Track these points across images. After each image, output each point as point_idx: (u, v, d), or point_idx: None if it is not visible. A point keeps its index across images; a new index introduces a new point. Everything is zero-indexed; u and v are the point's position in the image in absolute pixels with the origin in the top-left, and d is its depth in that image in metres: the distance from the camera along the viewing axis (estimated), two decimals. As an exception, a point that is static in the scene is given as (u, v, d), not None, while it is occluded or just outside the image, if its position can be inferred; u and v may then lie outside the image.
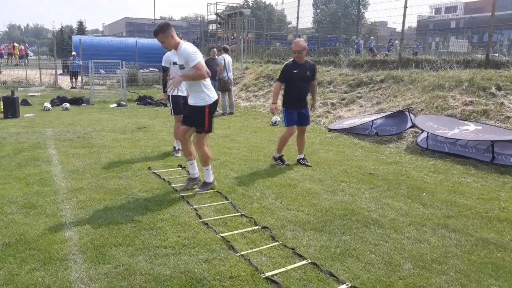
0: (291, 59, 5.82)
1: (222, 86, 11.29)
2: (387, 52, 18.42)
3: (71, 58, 20.70)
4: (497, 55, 11.40)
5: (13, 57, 30.46)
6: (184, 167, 5.70)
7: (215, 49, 11.96)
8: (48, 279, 2.80)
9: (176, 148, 6.49)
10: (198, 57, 4.32)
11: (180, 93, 6.14)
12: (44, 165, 5.62)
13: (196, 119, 4.51)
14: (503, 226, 3.89)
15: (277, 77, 5.91)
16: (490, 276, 2.99)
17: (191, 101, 4.57)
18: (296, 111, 5.82)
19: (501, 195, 4.84)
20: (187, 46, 4.34)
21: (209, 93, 4.50)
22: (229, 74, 11.33)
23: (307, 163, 5.96)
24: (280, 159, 5.98)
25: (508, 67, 8.96)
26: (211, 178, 4.73)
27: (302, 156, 6.09)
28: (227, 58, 11.41)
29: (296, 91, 5.78)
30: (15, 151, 6.34)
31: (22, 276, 2.83)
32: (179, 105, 6.21)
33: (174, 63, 5.95)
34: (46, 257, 3.08)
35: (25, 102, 12.85)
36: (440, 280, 2.92)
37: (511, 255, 3.31)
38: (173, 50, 5.90)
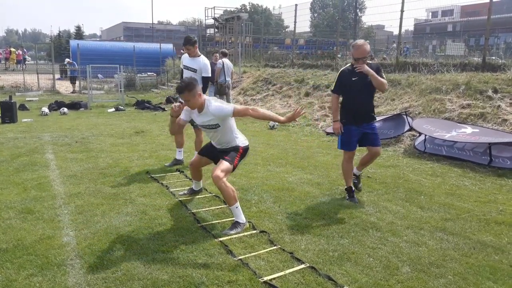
0: (349, 64, 4.67)
1: (219, 89, 11.49)
2: (384, 56, 18.49)
3: (66, 64, 20.72)
4: (493, 58, 11.43)
5: (9, 62, 30.05)
6: (182, 171, 5.70)
7: (217, 55, 12.08)
8: (46, 284, 2.79)
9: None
10: (230, 105, 3.91)
11: None
12: (42, 170, 5.61)
13: (227, 152, 3.95)
14: (501, 229, 3.90)
15: (332, 88, 4.75)
16: (488, 279, 3.00)
17: (226, 146, 4.06)
18: (356, 129, 4.57)
19: (499, 197, 4.86)
20: (215, 103, 3.85)
21: (242, 139, 4.08)
22: (227, 79, 11.44)
23: (357, 186, 4.93)
24: (347, 191, 4.75)
25: (504, 70, 9.00)
26: (243, 217, 3.80)
27: (359, 173, 4.99)
28: (227, 62, 11.51)
29: (354, 104, 4.58)
30: (13, 156, 6.33)
31: (19, 281, 2.82)
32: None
33: (185, 67, 5.89)
34: (44, 262, 3.07)
35: (23, 107, 12.84)
36: (438, 284, 2.92)
37: (509, 258, 3.32)
38: (191, 58, 5.87)
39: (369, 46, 4.45)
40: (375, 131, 4.65)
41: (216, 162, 4.08)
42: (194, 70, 5.77)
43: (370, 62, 4.60)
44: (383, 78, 4.51)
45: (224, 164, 3.79)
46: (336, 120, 4.68)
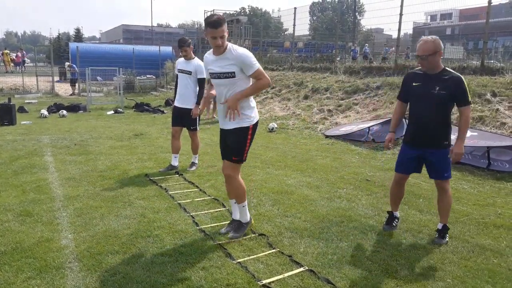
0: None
1: None
2: (384, 57, 18.54)
3: (67, 67, 20.74)
4: (492, 61, 11.47)
5: (6, 65, 29.68)
6: (182, 174, 5.70)
7: None
8: (44, 287, 2.79)
9: (192, 161, 6.17)
10: (257, 62, 3.47)
11: (184, 106, 5.79)
12: (41, 172, 5.60)
13: (235, 144, 3.53)
14: (499, 232, 3.91)
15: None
16: (486, 282, 3.00)
17: (230, 125, 3.52)
18: (411, 151, 3.75)
19: (497, 201, 4.86)
20: (243, 50, 3.46)
21: (255, 109, 3.61)
22: None
23: (441, 240, 3.64)
24: (389, 216, 4.00)
25: (503, 73, 9.04)
26: (248, 216, 3.75)
27: (440, 225, 3.74)
28: None
29: (414, 119, 3.73)
30: (12, 159, 6.33)
31: (18, 284, 2.81)
32: (177, 117, 5.90)
33: (180, 71, 5.79)
34: (42, 265, 3.06)
35: (22, 109, 12.83)
36: (437, 287, 2.93)
37: (508, 261, 3.32)
38: (193, 58, 5.76)
39: (435, 43, 3.47)
40: (440, 157, 3.60)
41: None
42: (189, 73, 5.73)
43: (449, 69, 3.61)
44: (464, 101, 3.49)
45: (232, 166, 3.58)
46: (391, 131, 3.98)
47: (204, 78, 5.78)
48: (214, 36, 3.32)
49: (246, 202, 3.73)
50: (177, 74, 5.93)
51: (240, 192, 3.66)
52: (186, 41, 5.74)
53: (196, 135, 6.03)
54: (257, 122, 3.61)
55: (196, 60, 5.79)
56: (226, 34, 3.36)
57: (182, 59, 5.86)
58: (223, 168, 3.64)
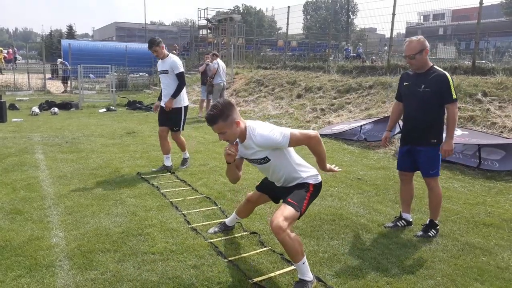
0: None
1: (211, 90, 11.58)
2: (373, 58, 18.61)
3: (59, 65, 20.58)
4: (483, 62, 11.57)
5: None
6: (173, 172, 5.68)
7: (208, 56, 12.09)
8: (34, 286, 2.77)
9: (183, 158, 6.14)
10: (283, 131, 2.84)
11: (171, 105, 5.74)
12: (31, 170, 5.56)
13: (293, 192, 2.96)
14: (489, 231, 3.95)
15: None
16: (475, 280, 3.03)
17: (289, 184, 3.07)
18: (404, 147, 3.84)
19: (487, 200, 4.91)
20: (259, 131, 2.85)
21: (311, 172, 3.09)
22: (223, 79, 11.55)
23: (423, 234, 3.74)
24: (398, 217, 4.06)
25: (493, 73, 9.11)
26: (310, 275, 2.85)
27: (428, 221, 3.85)
28: (221, 63, 11.61)
29: (405, 115, 3.86)
30: (2, 156, 6.26)
31: (7, 283, 2.79)
32: (163, 117, 5.86)
33: (159, 72, 5.80)
34: (32, 263, 3.04)
35: (13, 107, 12.71)
36: (427, 285, 2.95)
37: (497, 260, 3.36)
38: (166, 59, 5.66)
39: (420, 42, 3.54)
40: (426, 154, 3.66)
41: (275, 200, 3.36)
42: (166, 72, 5.66)
43: (436, 67, 3.63)
44: (448, 98, 3.50)
45: (288, 210, 2.79)
46: (387, 129, 4.06)
47: (181, 72, 5.64)
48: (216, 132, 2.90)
49: (305, 258, 2.84)
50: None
51: (293, 251, 2.76)
52: (155, 41, 5.61)
53: (178, 136, 5.91)
54: (319, 184, 3.10)
55: (170, 57, 5.68)
56: (231, 128, 2.80)
57: (160, 59, 5.79)
58: (273, 218, 2.76)
